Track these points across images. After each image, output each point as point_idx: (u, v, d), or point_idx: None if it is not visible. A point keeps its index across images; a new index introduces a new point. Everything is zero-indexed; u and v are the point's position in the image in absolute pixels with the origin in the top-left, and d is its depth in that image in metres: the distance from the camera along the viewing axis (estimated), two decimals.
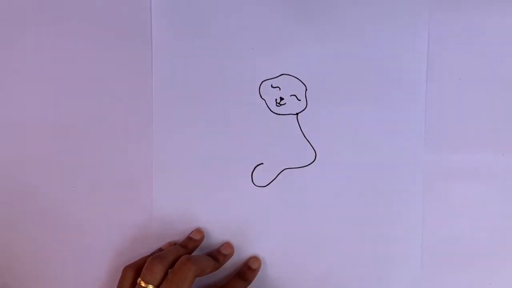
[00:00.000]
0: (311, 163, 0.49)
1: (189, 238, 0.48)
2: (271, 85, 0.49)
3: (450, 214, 0.50)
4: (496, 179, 0.50)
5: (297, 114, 0.49)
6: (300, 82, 0.49)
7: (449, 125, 0.49)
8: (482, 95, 0.49)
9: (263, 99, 0.49)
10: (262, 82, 0.49)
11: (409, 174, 0.49)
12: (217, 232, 0.49)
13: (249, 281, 0.48)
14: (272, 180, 0.49)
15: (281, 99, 0.49)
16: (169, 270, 0.44)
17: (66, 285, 0.49)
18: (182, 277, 0.42)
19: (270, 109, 0.49)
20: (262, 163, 0.49)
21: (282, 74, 0.49)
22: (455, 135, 0.50)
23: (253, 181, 0.49)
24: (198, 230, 0.49)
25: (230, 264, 0.49)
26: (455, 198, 0.50)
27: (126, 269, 0.46)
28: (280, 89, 0.49)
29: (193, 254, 0.48)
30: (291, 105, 0.49)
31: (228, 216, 0.49)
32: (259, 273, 0.49)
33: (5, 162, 0.49)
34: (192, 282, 0.43)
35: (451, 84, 0.49)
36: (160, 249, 0.49)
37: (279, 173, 0.49)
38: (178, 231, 0.49)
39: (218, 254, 0.48)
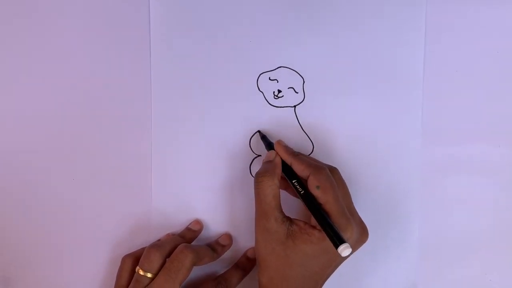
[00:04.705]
0: (308, 155, 0.49)
1: (187, 229, 0.49)
2: (269, 77, 0.49)
3: (447, 206, 0.50)
4: (493, 171, 0.50)
5: (294, 106, 0.49)
6: (298, 75, 0.49)
7: (446, 118, 0.50)
8: (478, 87, 0.50)
9: (261, 91, 0.49)
10: (260, 74, 0.49)
11: (406, 167, 0.50)
12: (216, 223, 0.50)
13: (247, 271, 0.49)
14: None
15: (279, 91, 0.49)
16: (167, 259, 0.44)
17: (66, 275, 0.50)
18: (179, 265, 0.43)
19: (268, 101, 0.49)
20: (260, 155, 0.49)
21: (280, 67, 0.49)
22: (452, 127, 0.50)
23: (251, 173, 0.49)
24: (197, 221, 0.49)
25: (229, 255, 0.49)
26: (452, 190, 0.50)
27: (124, 259, 0.46)
28: (278, 82, 0.49)
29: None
30: (289, 98, 0.49)
31: (227, 207, 0.50)
32: None
33: (5, 155, 0.49)
34: (189, 270, 0.43)
35: (448, 77, 0.50)
36: (159, 240, 0.49)
37: None
38: (177, 223, 0.50)
39: (217, 245, 0.48)
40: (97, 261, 0.50)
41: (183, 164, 0.50)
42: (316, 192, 0.43)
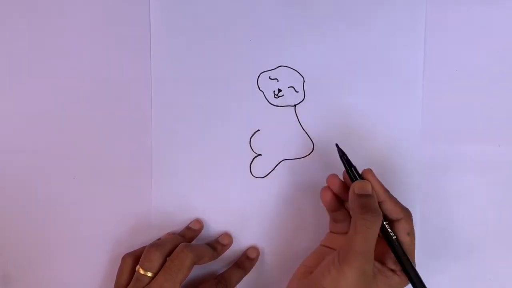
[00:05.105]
0: (308, 154, 0.49)
1: (187, 228, 0.49)
2: (269, 76, 0.49)
3: (447, 206, 0.50)
4: (493, 170, 0.50)
5: (295, 105, 0.49)
6: (298, 74, 0.49)
7: (446, 117, 0.50)
8: (478, 87, 0.50)
9: (261, 91, 0.49)
10: (260, 74, 0.49)
11: (406, 166, 0.50)
12: (216, 222, 0.50)
13: (247, 271, 0.49)
14: (270, 171, 0.49)
15: (279, 90, 0.49)
16: (167, 258, 0.44)
17: (67, 274, 0.50)
18: (179, 264, 0.43)
19: (268, 100, 0.49)
20: (260, 154, 0.49)
21: (280, 66, 0.49)
22: (452, 127, 0.50)
23: (252, 172, 0.49)
24: (197, 220, 0.49)
25: (229, 254, 0.49)
26: (452, 190, 0.50)
27: (125, 258, 0.46)
28: (278, 81, 0.49)
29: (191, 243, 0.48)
30: (289, 97, 0.49)
31: (227, 206, 0.50)
32: (257, 263, 0.49)
33: (5, 155, 0.49)
34: (189, 269, 0.43)
35: (448, 76, 0.50)
36: (159, 240, 0.49)
37: (277, 164, 0.49)
38: (177, 222, 0.50)
39: (217, 244, 0.48)
40: (97, 261, 0.50)
41: (183, 164, 0.50)
42: (405, 239, 0.41)
